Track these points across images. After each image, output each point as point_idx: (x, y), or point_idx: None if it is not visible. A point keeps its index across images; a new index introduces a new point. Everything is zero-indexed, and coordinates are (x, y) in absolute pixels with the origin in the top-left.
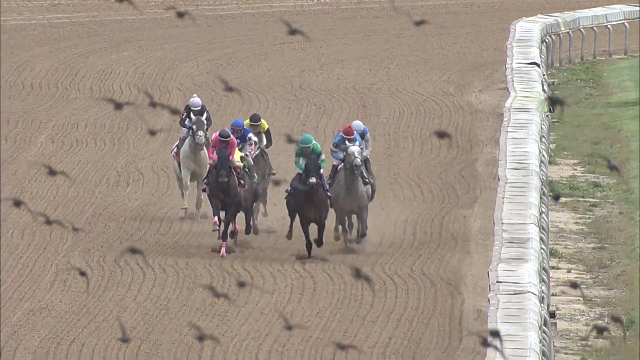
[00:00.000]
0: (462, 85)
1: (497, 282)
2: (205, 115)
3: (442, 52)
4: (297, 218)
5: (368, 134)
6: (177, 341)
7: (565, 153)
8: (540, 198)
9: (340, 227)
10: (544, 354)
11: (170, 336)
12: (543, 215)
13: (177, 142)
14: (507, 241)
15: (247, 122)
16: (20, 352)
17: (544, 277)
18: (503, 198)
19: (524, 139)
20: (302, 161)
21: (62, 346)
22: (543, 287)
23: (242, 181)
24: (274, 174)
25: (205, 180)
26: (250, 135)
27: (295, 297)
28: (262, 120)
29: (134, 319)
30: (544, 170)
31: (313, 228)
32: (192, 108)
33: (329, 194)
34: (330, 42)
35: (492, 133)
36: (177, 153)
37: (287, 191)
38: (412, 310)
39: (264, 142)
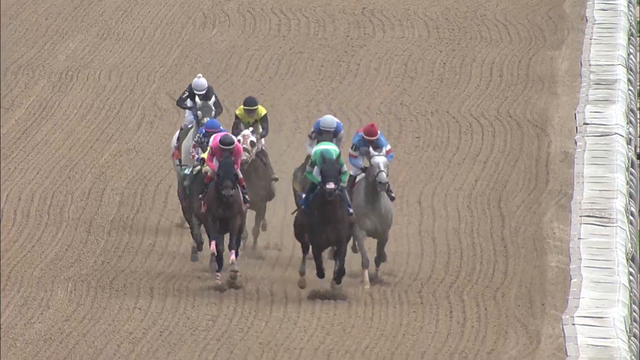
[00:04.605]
0: None
1: (584, 123)
2: (213, 99)
3: None
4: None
5: (342, 132)
6: None
7: None
8: (628, 39)
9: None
10: (630, 195)
11: None
12: (631, 56)
13: (177, 133)
14: (594, 83)
15: (240, 108)
16: (108, 193)
17: (632, 118)
18: (591, 39)
19: None
20: (316, 171)
21: (150, 187)
22: (630, 129)
23: (247, 197)
24: (276, 179)
25: (201, 195)
26: (247, 133)
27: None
28: (259, 105)
29: None
30: (632, 11)
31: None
32: (196, 91)
33: (350, 211)
34: None
35: None
36: (178, 148)
37: (293, 213)
38: (499, 153)
39: (260, 130)
